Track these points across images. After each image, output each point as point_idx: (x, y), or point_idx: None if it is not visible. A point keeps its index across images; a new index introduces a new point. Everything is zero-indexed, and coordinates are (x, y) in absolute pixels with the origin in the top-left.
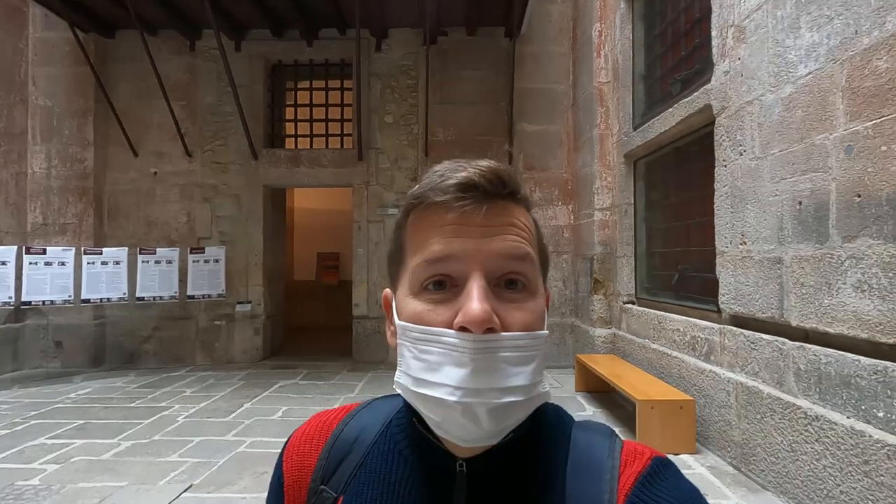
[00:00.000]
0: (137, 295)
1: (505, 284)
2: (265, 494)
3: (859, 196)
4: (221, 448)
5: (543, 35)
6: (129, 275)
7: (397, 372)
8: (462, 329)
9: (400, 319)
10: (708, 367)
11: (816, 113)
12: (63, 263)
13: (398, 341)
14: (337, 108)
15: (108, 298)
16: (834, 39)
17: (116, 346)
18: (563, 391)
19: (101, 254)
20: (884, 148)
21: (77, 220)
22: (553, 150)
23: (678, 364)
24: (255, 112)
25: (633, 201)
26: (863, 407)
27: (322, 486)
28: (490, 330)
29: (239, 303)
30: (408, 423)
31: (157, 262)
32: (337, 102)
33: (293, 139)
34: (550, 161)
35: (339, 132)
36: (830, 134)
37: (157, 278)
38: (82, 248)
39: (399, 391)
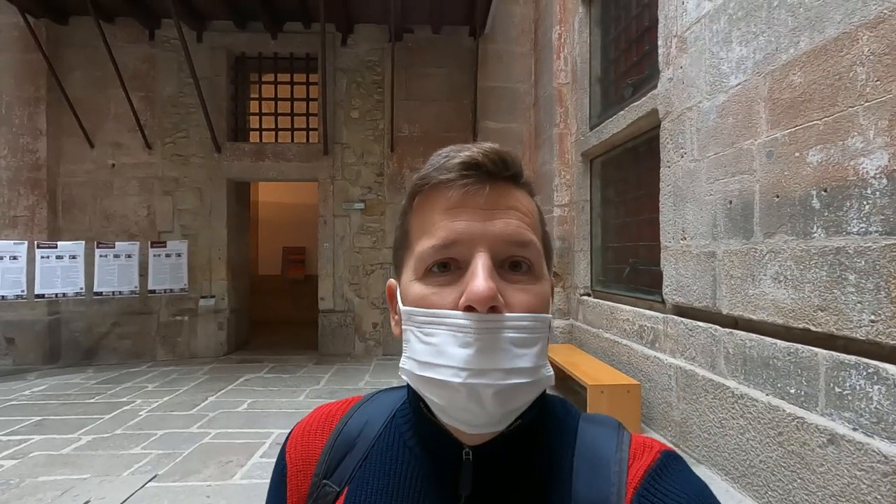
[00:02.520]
0: (95, 290)
1: (510, 266)
2: (230, 481)
3: (778, 196)
4: (186, 439)
5: (506, 35)
6: (87, 269)
7: (402, 358)
8: (467, 309)
9: (405, 305)
10: (653, 353)
11: (744, 120)
12: (15, 258)
13: (403, 327)
14: (302, 103)
15: (64, 293)
16: (759, 54)
17: (73, 342)
18: None
19: (55, 247)
20: (797, 154)
21: (29, 213)
22: (515, 148)
23: (627, 351)
24: (219, 104)
25: (589, 198)
26: (778, 385)
27: (324, 481)
28: (494, 309)
29: (202, 297)
30: (413, 413)
31: (116, 256)
32: (302, 96)
33: (258, 133)
34: None
35: (305, 126)
36: (755, 140)
37: (116, 273)
38: (35, 242)
39: (404, 377)
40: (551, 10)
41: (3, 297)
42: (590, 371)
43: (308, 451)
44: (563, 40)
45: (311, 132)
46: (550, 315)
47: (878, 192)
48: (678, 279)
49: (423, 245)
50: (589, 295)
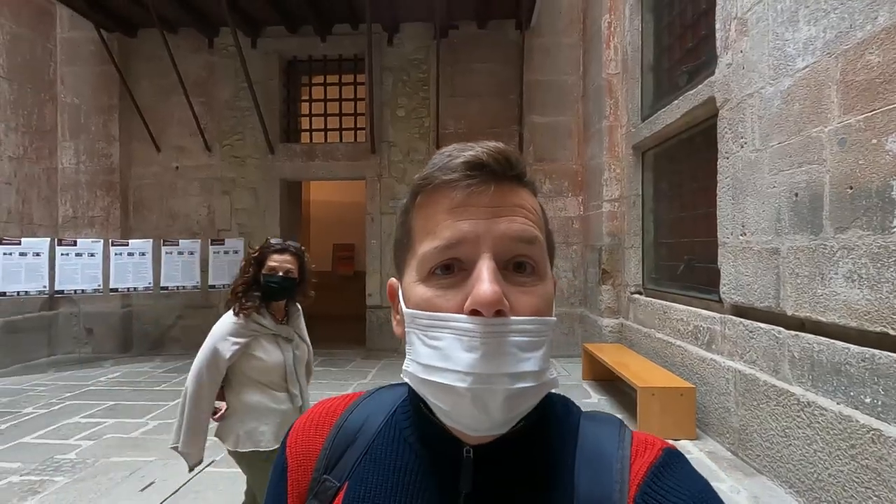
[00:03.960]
0: (162, 284)
1: (514, 268)
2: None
3: (851, 188)
4: None
5: (553, 27)
6: (154, 265)
7: (406, 360)
8: (472, 313)
9: (408, 307)
10: (709, 355)
11: (813, 106)
12: (92, 254)
13: (406, 329)
14: (350, 103)
15: (135, 288)
16: (830, 33)
17: (143, 333)
18: (571, 379)
19: (127, 245)
20: (874, 141)
21: (104, 213)
22: (563, 142)
23: (681, 353)
24: (271, 107)
25: (640, 192)
26: (851, 393)
27: (325, 476)
28: (500, 313)
29: None
30: (413, 410)
31: (180, 253)
32: (350, 97)
33: (308, 133)
34: (560, 152)
35: (353, 126)
36: (825, 127)
37: (180, 268)
38: (110, 240)
39: (407, 380)
40: None
41: (83, 290)
42: (641, 372)
43: (309, 446)
44: (612, 28)
45: (358, 131)
46: (554, 318)
47: None
48: (737, 277)
49: (427, 246)
50: (640, 293)
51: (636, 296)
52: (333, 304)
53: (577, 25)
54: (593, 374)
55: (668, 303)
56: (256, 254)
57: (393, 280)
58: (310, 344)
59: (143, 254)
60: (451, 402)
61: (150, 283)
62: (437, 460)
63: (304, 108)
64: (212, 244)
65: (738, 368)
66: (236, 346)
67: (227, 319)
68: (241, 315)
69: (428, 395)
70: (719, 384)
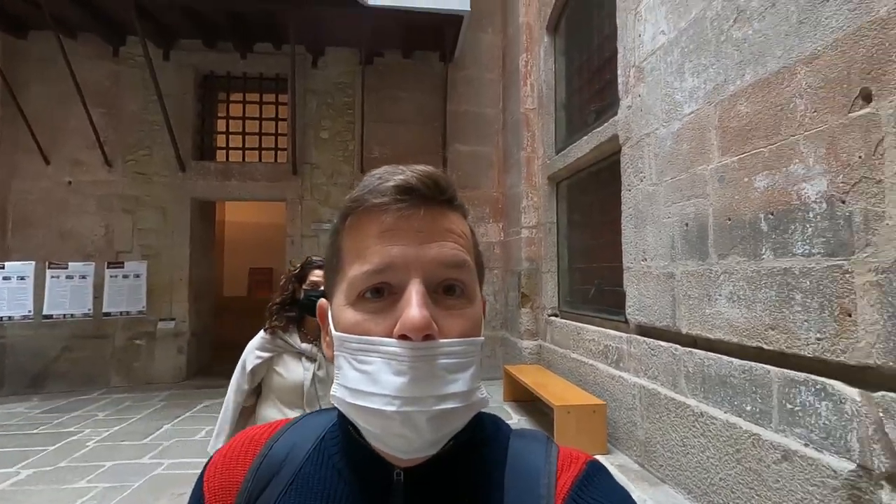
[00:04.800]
0: (45, 312)
1: (443, 291)
2: None
3: (729, 219)
4: (136, 471)
5: (476, 62)
6: (36, 291)
7: (334, 385)
8: (402, 337)
9: (337, 330)
10: (618, 373)
11: (698, 147)
12: None
13: (336, 353)
14: (271, 122)
15: (10, 317)
16: (709, 85)
17: (17, 368)
18: (492, 401)
19: (2, 268)
20: (746, 179)
21: None
22: (484, 171)
23: (593, 371)
24: (184, 122)
25: (556, 220)
26: (735, 402)
27: None
28: (428, 337)
29: (161, 320)
30: (342, 434)
31: (69, 276)
32: (271, 116)
33: (224, 151)
34: (482, 180)
35: (273, 146)
36: (708, 165)
37: (69, 294)
38: None
39: (336, 404)
40: (518, 39)
41: None
42: (557, 392)
43: (229, 479)
44: (529, 67)
45: (279, 152)
46: (483, 338)
47: (818, 216)
48: (640, 299)
49: (356, 270)
50: (556, 315)
51: (553, 318)
52: (250, 331)
53: (498, 62)
54: (514, 395)
55: (581, 324)
56: (297, 270)
57: (323, 301)
58: None
59: (23, 278)
60: (380, 425)
61: (30, 311)
62: (367, 486)
63: (221, 125)
64: (108, 267)
65: (643, 384)
66: (259, 360)
67: (258, 335)
68: (268, 332)
69: (357, 419)
70: (627, 400)
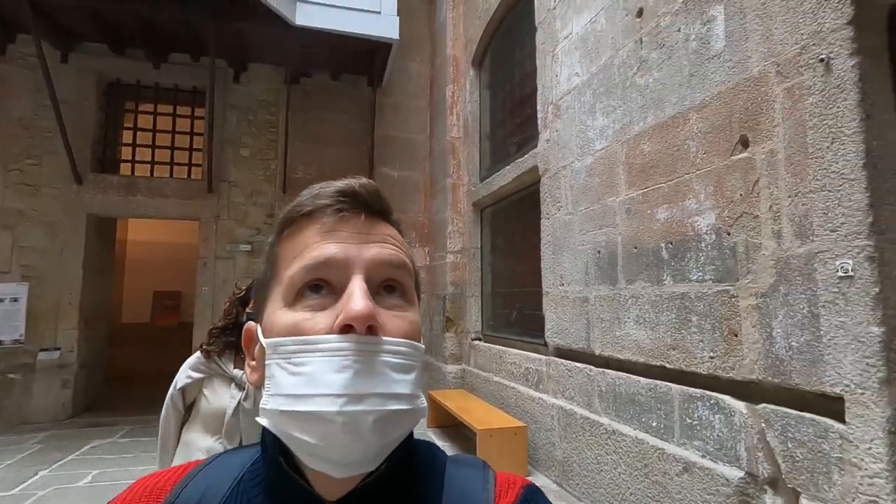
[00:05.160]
0: None
1: (385, 290)
2: None
3: (636, 248)
4: None
5: (403, 89)
6: None
7: (263, 398)
8: (344, 330)
9: (270, 338)
10: (538, 395)
11: (608, 180)
12: None
13: (267, 362)
14: (185, 136)
15: None
16: (617, 124)
17: None
18: (418, 428)
19: None
20: (649, 211)
21: None
22: (411, 195)
23: (515, 394)
24: (83, 131)
25: (480, 245)
26: (643, 419)
27: None
28: (372, 330)
29: (43, 350)
30: (267, 470)
31: None
32: (186, 130)
33: (130, 165)
34: (409, 205)
35: (187, 161)
36: (617, 198)
37: None
38: None
39: (265, 421)
40: (445, 70)
41: None
42: (480, 415)
43: None
44: (455, 98)
45: (193, 168)
46: (423, 346)
47: (709, 246)
48: (558, 323)
49: (294, 268)
50: (480, 339)
51: (476, 342)
52: (151, 361)
53: (426, 90)
54: (438, 420)
55: (504, 348)
56: (242, 293)
57: (251, 324)
58: None
59: None
60: (319, 432)
61: None
62: None
63: (128, 136)
64: None
65: (561, 405)
66: (189, 380)
67: (194, 355)
68: (203, 353)
69: (293, 429)
70: (546, 421)
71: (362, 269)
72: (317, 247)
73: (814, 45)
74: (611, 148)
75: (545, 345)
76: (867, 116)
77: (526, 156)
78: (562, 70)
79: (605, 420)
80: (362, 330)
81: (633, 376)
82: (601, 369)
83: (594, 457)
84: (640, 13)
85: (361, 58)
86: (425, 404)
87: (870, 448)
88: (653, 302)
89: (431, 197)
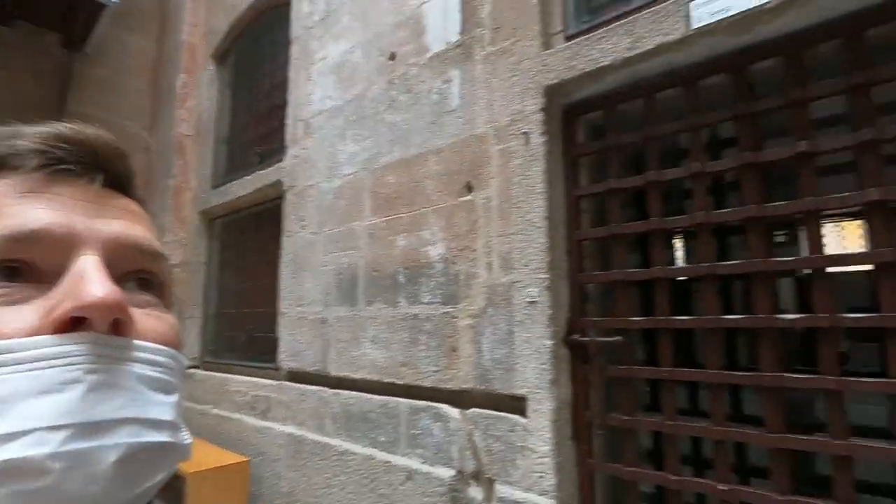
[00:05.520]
0: None
1: (136, 286)
2: None
3: (376, 271)
4: None
5: (117, 63)
6: None
7: None
8: (74, 325)
9: None
10: (265, 424)
11: (354, 205)
12: None
13: None
14: None
15: None
16: (366, 153)
17: None
18: None
19: None
20: (390, 238)
21: None
22: None
23: (237, 426)
24: None
25: (206, 260)
26: (372, 435)
27: None
28: (119, 328)
29: None
30: None
31: None
32: None
33: None
34: None
35: None
36: (362, 222)
37: None
38: None
39: None
40: (178, 55)
41: None
42: (193, 456)
43: None
44: (188, 90)
45: None
46: (187, 360)
47: (438, 273)
48: (293, 345)
49: None
50: (198, 367)
51: (193, 370)
52: None
53: (149, 73)
54: None
55: (227, 375)
56: None
57: None
58: None
59: None
60: (22, 496)
61: None
62: None
63: None
64: None
65: (290, 432)
66: None
67: None
68: None
69: None
70: (272, 451)
71: (98, 249)
72: (19, 210)
73: (519, 120)
74: (359, 174)
75: (277, 369)
76: (549, 181)
77: (270, 169)
78: (315, 90)
79: (335, 441)
80: (104, 326)
81: (367, 395)
82: (335, 390)
83: (323, 481)
84: (392, 57)
85: (52, 7)
86: (190, 440)
87: (542, 434)
88: (389, 322)
89: (146, 199)
